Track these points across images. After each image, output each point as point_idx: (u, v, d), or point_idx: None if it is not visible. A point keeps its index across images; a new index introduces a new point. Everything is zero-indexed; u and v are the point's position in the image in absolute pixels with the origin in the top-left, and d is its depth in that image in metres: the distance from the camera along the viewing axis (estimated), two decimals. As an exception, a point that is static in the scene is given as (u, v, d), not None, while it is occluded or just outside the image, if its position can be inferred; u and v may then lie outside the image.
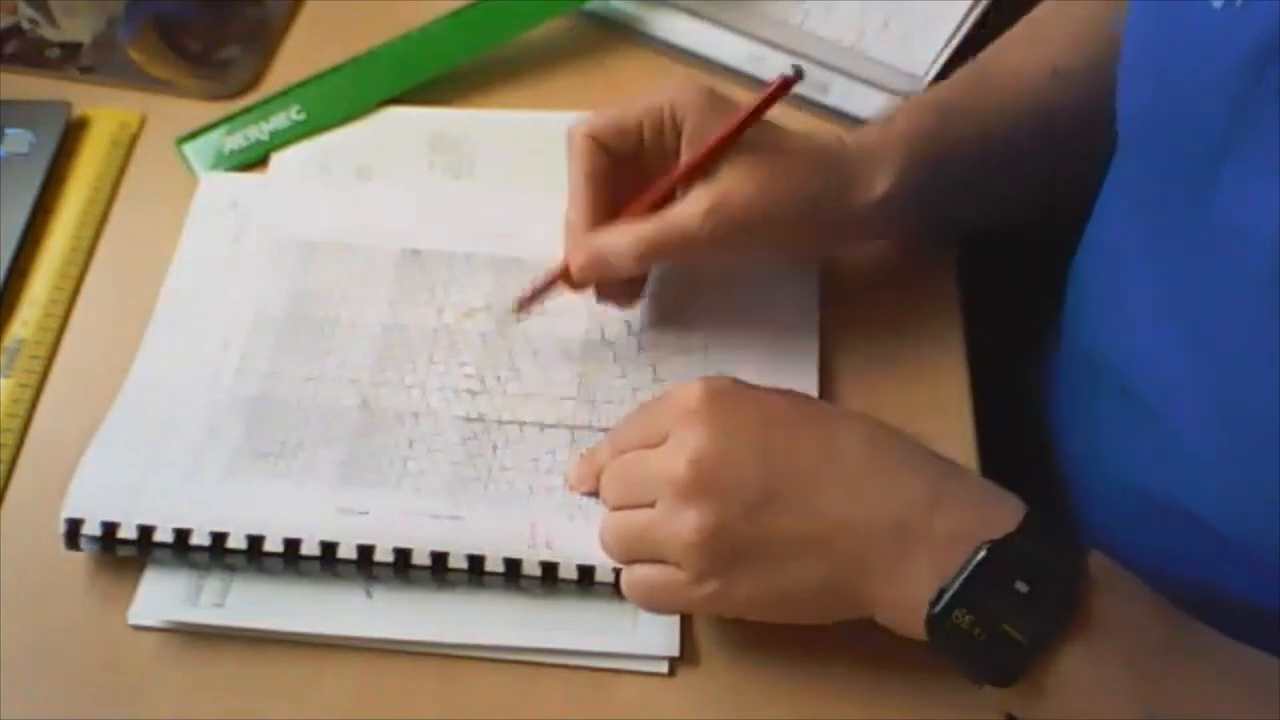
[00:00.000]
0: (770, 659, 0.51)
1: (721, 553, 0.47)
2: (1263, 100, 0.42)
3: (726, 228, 0.53)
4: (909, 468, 0.48)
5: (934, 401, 0.58)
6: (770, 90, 0.54)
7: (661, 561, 0.48)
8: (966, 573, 0.44)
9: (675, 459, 0.47)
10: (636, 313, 0.60)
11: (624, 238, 0.54)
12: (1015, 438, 0.63)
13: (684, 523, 0.46)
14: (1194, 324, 0.49)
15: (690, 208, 0.54)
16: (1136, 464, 0.56)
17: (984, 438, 0.57)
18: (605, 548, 0.51)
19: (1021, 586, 0.44)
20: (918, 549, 0.45)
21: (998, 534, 0.45)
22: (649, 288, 0.60)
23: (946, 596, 0.44)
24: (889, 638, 0.48)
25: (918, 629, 0.45)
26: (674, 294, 0.61)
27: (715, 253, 0.55)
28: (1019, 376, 0.70)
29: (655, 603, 0.50)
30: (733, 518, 0.46)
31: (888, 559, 0.46)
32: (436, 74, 0.69)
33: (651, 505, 0.48)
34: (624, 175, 0.56)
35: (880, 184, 0.55)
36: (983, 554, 0.44)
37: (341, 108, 0.68)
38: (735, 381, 0.50)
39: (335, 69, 0.70)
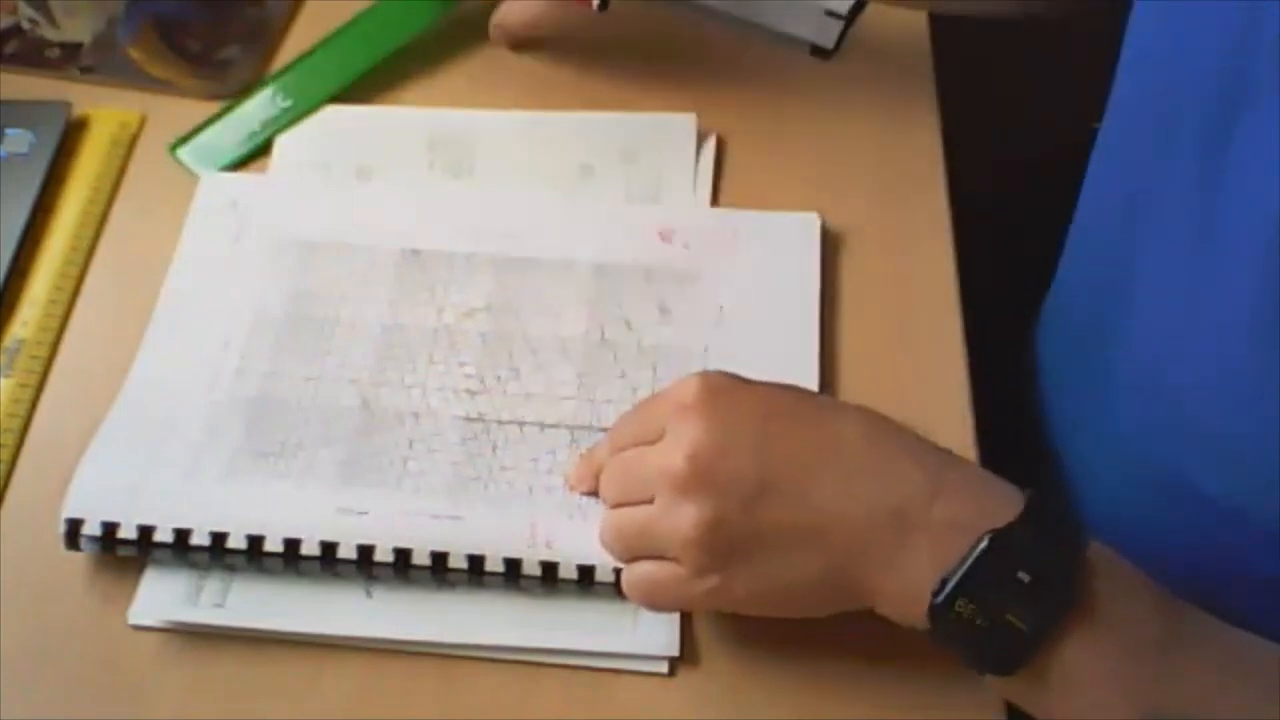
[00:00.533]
0: (770, 658, 0.51)
1: (720, 547, 0.47)
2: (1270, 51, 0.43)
3: None
4: (908, 458, 0.47)
5: (932, 392, 0.58)
6: None
7: (661, 558, 0.48)
8: (969, 563, 0.44)
9: (672, 454, 0.47)
10: (637, 312, 0.60)
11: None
12: (1014, 422, 0.63)
13: (682, 518, 0.46)
14: (1195, 291, 0.49)
15: None
16: (1134, 435, 0.56)
17: (981, 419, 0.57)
18: (605, 545, 0.51)
19: (1024, 576, 0.44)
20: (917, 538, 0.45)
21: (999, 523, 0.45)
22: (648, 288, 0.60)
23: (949, 586, 0.44)
24: (889, 637, 0.48)
25: (919, 619, 0.45)
26: (673, 293, 0.61)
27: None
28: (1020, 358, 0.70)
29: (655, 599, 0.50)
30: (730, 511, 0.46)
31: (887, 549, 0.46)
32: (410, 39, 0.70)
33: (650, 501, 0.48)
34: None
35: None
36: (985, 544, 0.44)
37: (324, 87, 0.69)
38: (732, 376, 0.50)
39: (311, 51, 0.70)
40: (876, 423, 0.49)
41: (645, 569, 0.49)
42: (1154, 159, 0.51)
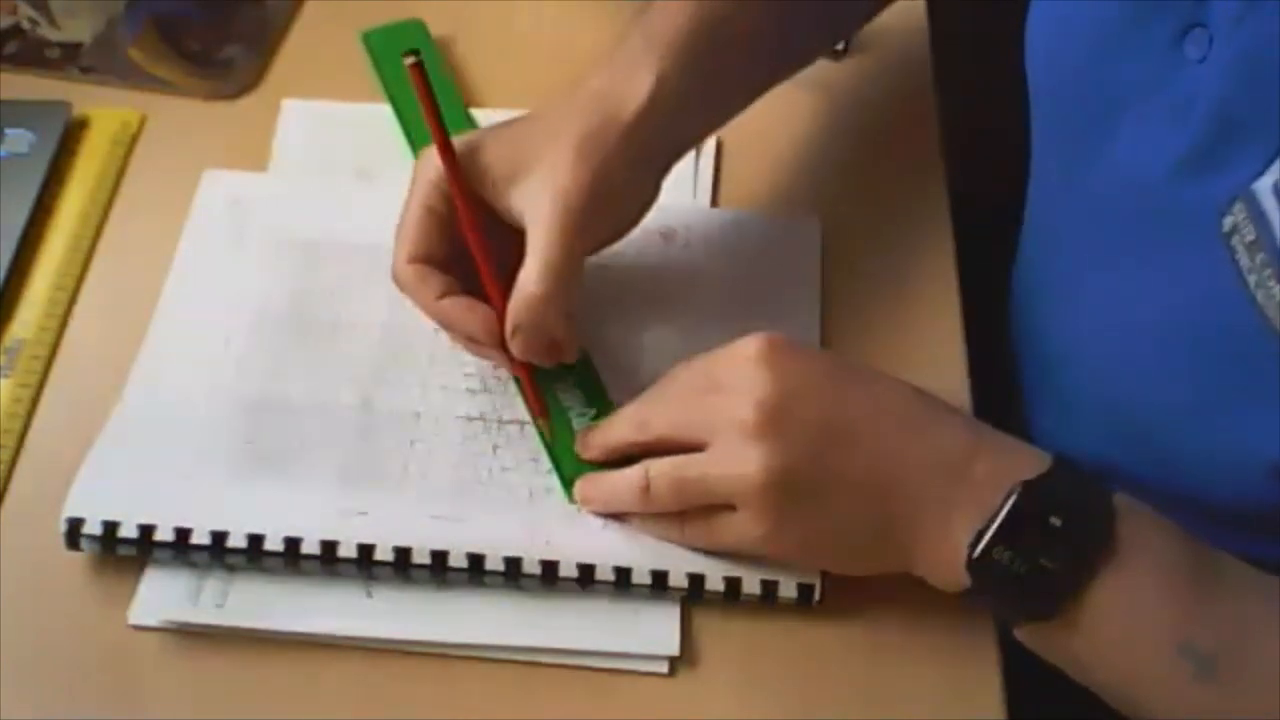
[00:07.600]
0: (770, 659, 0.51)
1: (784, 494, 0.48)
2: (1173, 62, 0.47)
3: (569, 283, 0.52)
4: (952, 416, 0.51)
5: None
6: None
7: (711, 505, 0.50)
8: (1004, 511, 0.46)
9: (740, 402, 0.49)
10: (636, 313, 0.60)
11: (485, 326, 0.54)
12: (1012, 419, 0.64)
13: (749, 463, 0.48)
14: (1089, 275, 0.55)
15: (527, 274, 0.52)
16: (1055, 424, 0.61)
17: (982, 418, 0.57)
18: (653, 490, 0.51)
19: (1055, 520, 0.46)
20: (961, 493, 0.48)
21: (1030, 476, 0.47)
22: (648, 288, 0.60)
23: (987, 535, 0.46)
24: (889, 639, 0.48)
25: (957, 573, 0.47)
26: (673, 295, 0.61)
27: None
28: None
29: (714, 541, 0.51)
30: (798, 459, 0.48)
31: (936, 501, 0.48)
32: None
33: (698, 448, 0.50)
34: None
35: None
36: (1017, 492, 0.47)
37: None
38: (787, 338, 0.52)
39: None
40: (917, 388, 0.51)
41: (705, 512, 0.50)
42: (1055, 153, 0.56)
